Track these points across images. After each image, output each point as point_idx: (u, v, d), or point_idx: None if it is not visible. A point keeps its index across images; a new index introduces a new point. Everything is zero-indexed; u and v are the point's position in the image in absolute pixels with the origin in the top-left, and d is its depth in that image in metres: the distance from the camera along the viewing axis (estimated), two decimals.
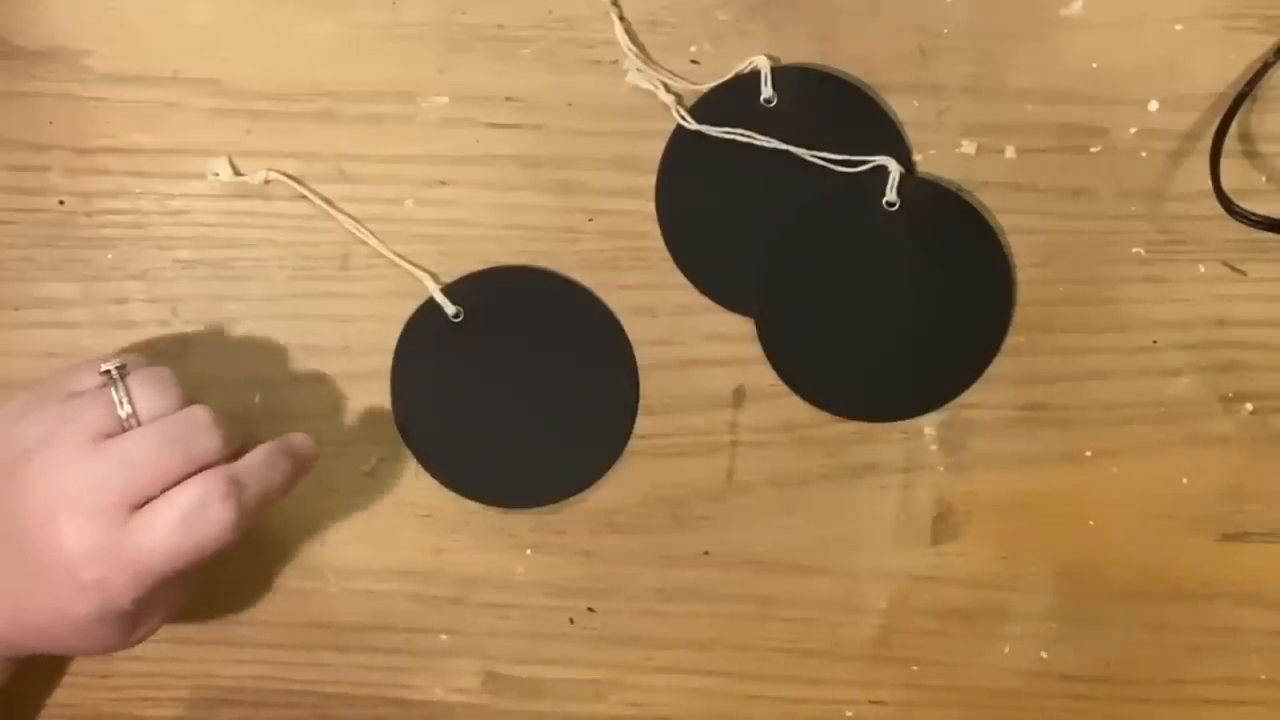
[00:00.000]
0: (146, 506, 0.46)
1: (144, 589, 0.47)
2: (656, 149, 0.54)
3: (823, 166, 0.53)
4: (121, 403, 0.47)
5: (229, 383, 0.55)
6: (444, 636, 0.56)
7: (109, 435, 0.47)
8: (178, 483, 0.47)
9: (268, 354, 0.55)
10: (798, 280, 0.54)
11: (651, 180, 0.54)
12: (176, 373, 0.49)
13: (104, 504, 0.46)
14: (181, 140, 0.54)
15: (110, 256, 0.55)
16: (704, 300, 0.55)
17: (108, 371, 0.48)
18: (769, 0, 0.53)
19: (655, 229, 0.54)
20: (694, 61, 0.54)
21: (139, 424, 0.47)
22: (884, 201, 0.53)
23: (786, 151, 0.53)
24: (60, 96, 0.54)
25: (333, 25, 0.54)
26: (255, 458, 0.49)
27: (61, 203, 0.55)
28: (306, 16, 0.54)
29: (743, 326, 0.54)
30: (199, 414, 0.48)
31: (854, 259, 0.54)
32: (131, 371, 0.48)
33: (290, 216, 0.55)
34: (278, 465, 0.49)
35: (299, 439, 0.51)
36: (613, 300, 0.55)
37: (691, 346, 0.55)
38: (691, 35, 0.54)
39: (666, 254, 0.54)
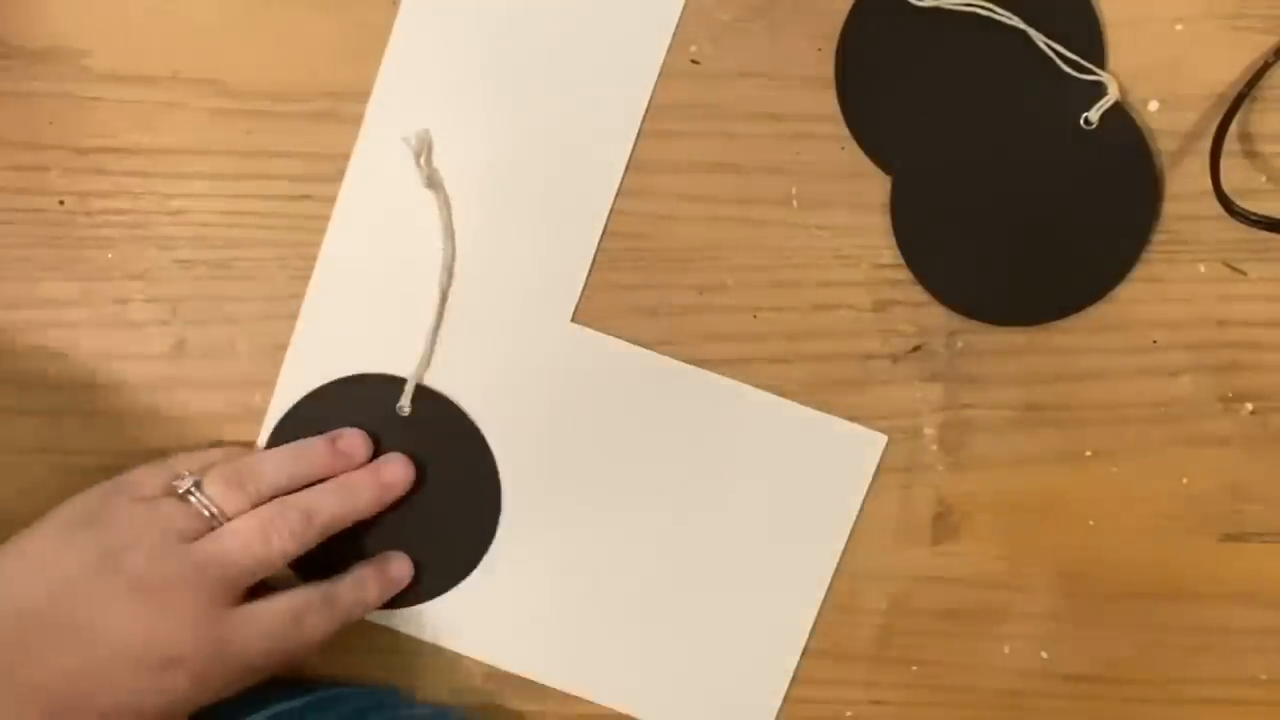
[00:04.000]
0: (245, 606, 0.49)
1: (234, 685, 0.49)
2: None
3: (1029, 68, 0.52)
4: (205, 508, 0.50)
5: (229, 383, 0.55)
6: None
7: (196, 537, 0.49)
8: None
9: (267, 354, 0.55)
10: (958, 150, 0.53)
11: None
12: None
13: (204, 599, 0.48)
14: (181, 140, 0.54)
15: (110, 256, 0.55)
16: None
17: (187, 491, 0.50)
18: (769, 0, 0.53)
19: None
20: (694, 61, 0.54)
21: (224, 521, 0.50)
22: (1082, 118, 0.52)
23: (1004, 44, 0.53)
24: (59, 96, 0.54)
25: (333, 25, 0.54)
26: (351, 578, 0.52)
27: (61, 203, 0.55)
28: (306, 16, 0.54)
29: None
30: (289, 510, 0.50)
31: (1025, 158, 0.53)
32: (205, 480, 0.50)
33: (290, 216, 0.55)
34: (370, 586, 0.53)
35: (396, 563, 0.54)
36: None
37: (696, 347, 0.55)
38: (692, 35, 0.54)
39: None
